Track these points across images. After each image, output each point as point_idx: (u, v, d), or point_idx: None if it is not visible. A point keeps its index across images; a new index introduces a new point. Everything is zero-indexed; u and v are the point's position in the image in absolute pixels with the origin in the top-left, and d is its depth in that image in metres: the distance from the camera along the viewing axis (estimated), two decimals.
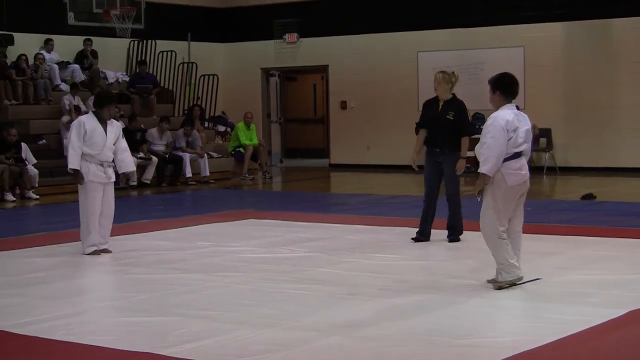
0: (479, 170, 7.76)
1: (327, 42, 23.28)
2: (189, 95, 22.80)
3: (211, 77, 22.84)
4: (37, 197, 16.29)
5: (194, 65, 22.87)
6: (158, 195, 17.46)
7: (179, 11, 23.43)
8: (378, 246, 10.20)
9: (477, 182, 7.74)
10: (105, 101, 10.03)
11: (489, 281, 7.85)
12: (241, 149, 20.56)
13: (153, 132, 19.33)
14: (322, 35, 23.28)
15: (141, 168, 18.50)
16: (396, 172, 20.70)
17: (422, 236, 10.40)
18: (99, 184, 9.90)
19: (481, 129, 7.93)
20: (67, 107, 18.72)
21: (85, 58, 21.13)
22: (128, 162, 10.30)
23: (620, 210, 13.28)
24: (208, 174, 19.61)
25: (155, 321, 6.81)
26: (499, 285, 7.74)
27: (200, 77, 22.94)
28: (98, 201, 9.88)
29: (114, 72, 21.92)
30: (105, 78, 21.50)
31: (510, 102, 7.81)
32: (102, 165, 9.92)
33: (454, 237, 10.36)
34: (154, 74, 22.18)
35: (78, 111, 18.54)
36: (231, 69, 24.58)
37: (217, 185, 19.28)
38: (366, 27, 22.64)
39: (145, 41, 22.40)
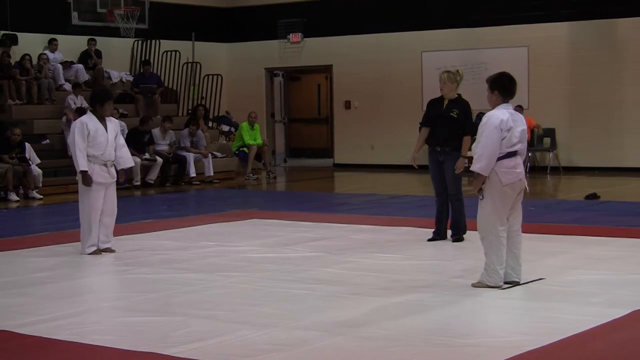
0: (471, 169, 7.78)
1: (331, 42, 23.28)
2: (193, 95, 22.82)
3: (215, 77, 22.86)
4: (41, 197, 16.30)
5: (198, 65, 22.89)
6: (162, 195, 17.46)
7: (183, 11, 23.45)
8: (382, 246, 10.20)
9: (474, 181, 7.75)
10: (105, 97, 10.04)
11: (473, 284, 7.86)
12: (245, 149, 20.57)
13: (156, 132, 19.34)
14: (326, 35, 23.30)
15: (145, 168, 18.52)
16: (400, 171, 20.70)
17: (438, 236, 10.43)
18: (102, 184, 9.90)
19: None
20: (72, 107, 18.72)
21: (89, 58, 21.15)
22: (127, 159, 10.29)
23: (624, 210, 13.26)
24: (212, 173, 19.62)
25: (158, 321, 6.81)
26: (477, 284, 7.77)
27: (205, 77, 22.96)
28: (100, 201, 9.89)
29: (118, 72, 21.94)
30: (109, 78, 21.52)
31: (508, 102, 7.80)
32: (105, 165, 9.92)
33: (457, 236, 10.36)
34: (158, 73, 22.19)
35: (82, 113, 18.57)
36: (235, 68, 24.60)
37: (221, 185, 19.29)
38: (370, 27, 22.64)
39: (149, 41, 22.41)
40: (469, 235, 10.19)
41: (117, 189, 10.38)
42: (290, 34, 23.72)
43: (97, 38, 21.19)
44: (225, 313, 7.04)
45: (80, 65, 20.73)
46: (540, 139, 20.56)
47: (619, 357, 5.87)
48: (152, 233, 11.51)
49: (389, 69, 22.40)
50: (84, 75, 20.58)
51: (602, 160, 20.13)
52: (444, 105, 10.31)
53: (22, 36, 19.99)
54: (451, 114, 10.20)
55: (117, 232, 10.43)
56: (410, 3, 22.28)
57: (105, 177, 9.92)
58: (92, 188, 9.85)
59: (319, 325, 6.61)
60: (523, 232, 8.14)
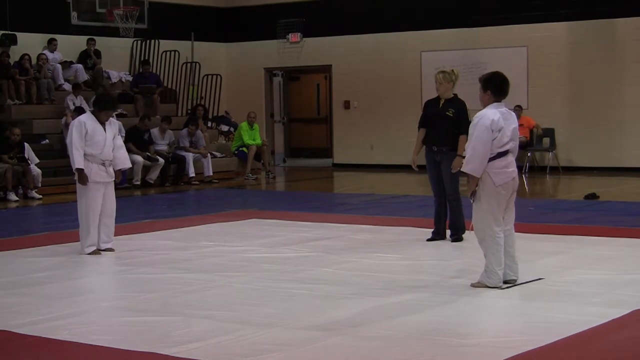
0: (462, 169, 7.78)
1: (330, 42, 23.28)
2: (192, 95, 22.82)
3: (214, 76, 22.86)
4: (40, 196, 16.30)
5: (198, 65, 22.89)
6: (161, 194, 17.46)
7: (183, 11, 23.45)
8: (381, 246, 10.20)
9: (468, 183, 7.74)
10: (104, 106, 10.05)
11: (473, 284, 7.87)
12: (244, 149, 20.57)
13: (155, 132, 19.35)
14: (325, 35, 23.29)
15: (145, 168, 18.52)
16: (399, 171, 20.70)
17: (438, 236, 10.44)
18: (100, 183, 9.90)
19: None
20: (72, 107, 18.73)
21: (89, 58, 21.14)
22: (124, 159, 10.31)
23: (623, 210, 13.26)
24: (211, 173, 19.62)
25: (158, 321, 6.82)
26: (476, 284, 7.77)
27: (204, 76, 22.96)
28: (99, 200, 9.90)
29: (117, 71, 21.93)
30: (109, 78, 21.51)
31: (500, 102, 7.79)
32: (103, 164, 9.93)
33: (456, 236, 10.36)
34: (158, 73, 22.19)
35: (80, 112, 18.57)
36: (234, 68, 24.60)
37: (221, 185, 19.29)
38: (370, 27, 22.65)
39: (148, 41, 22.41)
40: (468, 235, 10.18)
41: (116, 188, 10.39)
42: (290, 34, 23.72)
43: (96, 38, 21.18)
44: (224, 313, 7.05)
45: (80, 65, 20.73)
46: (539, 138, 20.56)
47: (618, 357, 5.87)
48: (152, 233, 11.51)
49: (389, 69, 22.40)
50: (84, 75, 20.58)
51: (601, 160, 20.13)
52: (440, 105, 10.32)
53: (21, 36, 19.99)
54: (447, 113, 10.21)
55: (117, 232, 10.44)
56: (410, 3, 22.28)
57: (102, 177, 9.94)
58: (90, 187, 9.86)
59: (319, 325, 6.61)
60: (522, 232, 8.17)
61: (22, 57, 19.52)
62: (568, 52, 20.59)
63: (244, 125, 20.80)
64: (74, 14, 20.08)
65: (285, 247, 10.28)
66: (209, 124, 22.05)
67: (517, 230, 7.96)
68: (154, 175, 18.63)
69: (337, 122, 23.67)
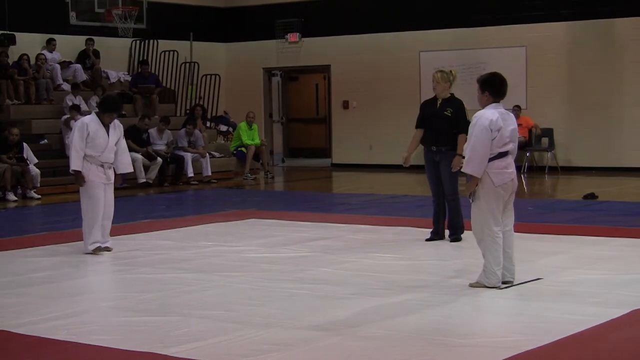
0: (462, 170, 7.78)
1: (329, 41, 23.29)
2: (191, 95, 22.82)
3: (213, 76, 22.86)
4: (39, 196, 16.30)
5: (196, 65, 22.89)
6: (160, 194, 17.46)
7: (181, 11, 23.44)
8: (380, 246, 10.20)
9: (468, 183, 7.74)
10: (107, 108, 10.04)
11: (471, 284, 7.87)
12: (243, 149, 20.57)
13: (153, 132, 19.35)
14: (324, 35, 23.30)
15: (144, 167, 18.51)
16: (398, 171, 20.65)
17: (437, 236, 10.43)
18: (100, 183, 9.91)
19: None
20: (69, 105, 18.75)
21: (87, 58, 21.14)
22: (126, 164, 10.31)
23: (622, 210, 13.27)
24: (210, 173, 19.62)
25: (157, 321, 6.82)
26: (474, 284, 7.78)
27: (203, 76, 22.96)
28: (100, 199, 9.90)
29: (116, 71, 21.93)
30: (107, 78, 21.52)
31: (498, 102, 7.79)
32: (102, 166, 9.93)
33: (455, 236, 10.36)
34: (156, 73, 22.19)
35: (77, 110, 18.57)
36: (233, 68, 24.60)
37: (219, 185, 19.29)
38: (368, 27, 22.65)
39: (147, 41, 22.41)
40: (466, 235, 10.18)
41: (115, 188, 10.38)
42: (288, 34, 23.72)
43: (95, 38, 21.19)
44: (223, 313, 7.05)
45: (78, 65, 20.72)
46: (538, 138, 20.57)
47: (617, 357, 5.88)
48: (151, 233, 11.51)
49: (387, 69, 22.41)
50: (82, 75, 20.58)
51: (600, 160, 20.14)
52: (438, 105, 10.31)
53: (20, 36, 19.98)
54: (445, 112, 10.20)
55: (116, 232, 10.45)
56: (408, 3, 22.28)
57: (101, 178, 9.93)
58: (92, 186, 9.86)
59: (318, 325, 6.62)
60: (521, 232, 8.17)
61: (21, 57, 19.52)
62: (567, 52, 20.60)
63: (242, 125, 20.80)
64: (72, 14, 20.08)
65: (284, 247, 10.28)
66: (208, 124, 22.05)
67: (515, 230, 7.97)
68: (152, 174, 18.63)
69: (335, 122, 23.68)
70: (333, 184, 21.01)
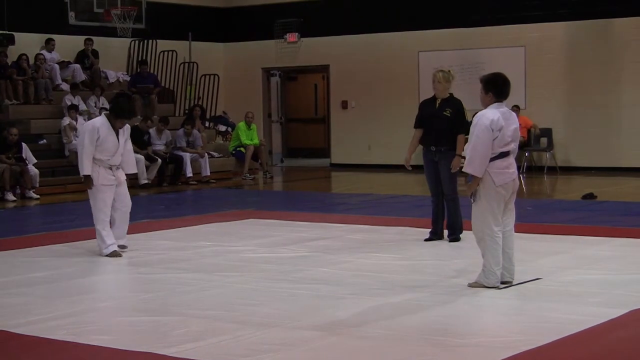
0: (464, 170, 7.78)
1: (328, 41, 23.28)
2: (190, 95, 22.82)
3: (212, 76, 22.86)
4: (38, 196, 16.29)
5: (195, 65, 22.89)
6: (159, 195, 17.45)
7: (180, 11, 23.44)
8: (379, 246, 10.20)
9: (469, 183, 7.74)
10: (120, 115, 9.90)
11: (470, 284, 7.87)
12: (242, 149, 20.57)
13: (152, 132, 19.35)
14: (323, 35, 23.29)
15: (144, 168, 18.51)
16: (397, 171, 20.67)
17: (435, 236, 10.43)
18: (109, 186, 9.86)
19: None
20: (67, 105, 18.76)
21: (86, 58, 21.13)
22: (131, 164, 10.25)
23: (621, 210, 13.27)
24: (209, 173, 19.62)
25: (156, 321, 6.81)
26: (473, 283, 7.78)
27: (201, 76, 22.96)
28: (108, 202, 9.81)
29: (115, 71, 21.93)
30: (106, 78, 21.51)
31: (501, 102, 7.79)
32: (110, 168, 9.88)
33: (454, 236, 10.36)
34: (155, 73, 22.18)
35: (75, 110, 18.58)
36: (232, 68, 24.59)
37: (218, 185, 19.29)
38: (367, 27, 22.64)
39: (146, 41, 22.41)
40: (465, 235, 10.18)
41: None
42: (287, 34, 23.71)
43: (94, 38, 21.18)
44: (223, 313, 7.05)
45: (77, 65, 20.72)
46: (537, 138, 20.57)
47: (616, 356, 5.88)
48: (150, 233, 11.51)
49: (386, 69, 22.40)
50: (81, 75, 20.57)
51: (599, 160, 20.14)
52: (437, 105, 10.30)
53: (19, 36, 19.97)
54: (444, 113, 10.19)
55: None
56: (407, 3, 22.28)
57: (110, 180, 9.86)
58: (99, 190, 9.79)
59: (317, 325, 6.62)
60: (520, 232, 8.17)
61: (20, 57, 19.51)
62: (566, 52, 20.60)
63: (241, 125, 20.80)
64: (71, 14, 20.09)
65: (283, 247, 10.28)
66: (207, 124, 22.05)
67: (514, 230, 7.96)
68: (151, 175, 18.62)
69: (334, 122, 23.68)
70: (332, 184, 21.01)
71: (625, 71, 19.94)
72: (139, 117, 19.11)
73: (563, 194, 17.16)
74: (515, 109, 19.30)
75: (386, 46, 22.42)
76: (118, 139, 9.88)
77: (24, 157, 16.50)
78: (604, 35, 20.12)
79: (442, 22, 21.65)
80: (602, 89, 20.09)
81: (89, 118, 18.08)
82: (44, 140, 18.72)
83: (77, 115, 18.60)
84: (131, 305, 7.50)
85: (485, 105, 7.79)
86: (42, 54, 20.13)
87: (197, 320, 6.80)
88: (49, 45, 20.52)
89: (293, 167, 24.55)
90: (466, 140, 8.19)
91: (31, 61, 19.76)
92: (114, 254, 9.75)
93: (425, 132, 10.35)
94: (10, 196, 16.02)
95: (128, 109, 10.05)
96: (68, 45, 20.94)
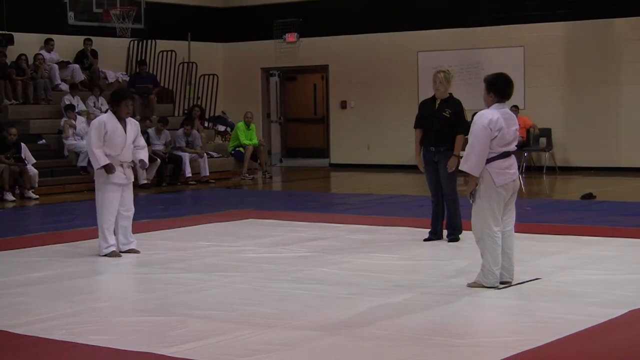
0: (460, 167, 7.78)
1: (327, 41, 23.28)
2: (189, 95, 22.82)
3: (211, 76, 22.85)
4: (37, 197, 16.29)
5: (194, 65, 22.88)
6: (158, 195, 17.45)
7: (179, 11, 23.43)
8: (378, 246, 10.20)
9: (468, 183, 7.74)
10: (121, 96, 9.93)
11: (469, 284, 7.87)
12: (241, 149, 20.57)
13: (151, 132, 19.35)
14: (322, 35, 23.29)
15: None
16: (396, 171, 20.71)
17: (435, 236, 10.42)
18: (118, 185, 9.83)
19: None
20: (64, 105, 18.78)
21: (85, 58, 21.13)
22: (144, 156, 10.16)
23: (620, 210, 13.27)
24: (208, 173, 19.62)
25: (155, 321, 6.81)
26: (472, 284, 7.79)
27: (200, 76, 22.95)
28: (115, 202, 9.79)
29: (114, 71, 21.92)
30: (106, 78, 21.50)
31: (503, 103, 7.79)
32: (121, 166, 9.85)
33: (453, 236, 10.36)
34: (154, 73, 22.18)
35: (72, 109, 18.58)
36: (231, 68, 24.59)
37: (217, 185, 19.28)
38: (366, 27, 22.64)
39: (145, 41, 22.40)
40: (465, 235, 10.18)
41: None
42: (286, 34, 23.71)
43: (93, 38, 21.17)
44: (222, 313, 7.04)
45: (77, 65, 20.71)
46: (536, 138, 20.56)
47: (615, 357, 5.88)
48: (149, 233, 11.50)
49: (385, 69, 22.40)
50: (80, 75, 20.57)
51: (598, 160, 20.14)
52: (436, 105, 10.29)
53: (18, 36, 19.96)
54: (444, 113, 10.18)
55: None
56: (406, 3, 22.27)
57: (121, 178, 9.82)
58: (107, 188, 9.75)
59: (316, 325, 6.61)
60: (519, 232, 8.16)
61: (19, 57, 19.50)
62: (565, 52, 20.60)
63: (240, 125, 20.80)
64: (70, 14, 20.07)
65: (282, 247, 10.28)
66: (206, 124, 22.04)
67: (514, 231, 7.96)
68: (150, 175, 18.62)
69: (333, 122, 23.67)
70: (331, 184, 21.01)
71: (624, 71, 19.94)
72: (137, 117, 19.14)
73: (562, 194, 17.16)
74: (515, 109, 19.28)
75: (386, 46, 22.42)
76: (125, 132, 9.84)
77: (23, 157, 16.50)
78: (604, 35, 20.13)
79: (442, 22, 21.65)
80: (602, 89, 20.09)
81: (88, 118, 18.11)
82: (43, 141, 18.72)
83: (76, 115, 18.59)
84: (131, 305, 7.50)
85: (488, 105, 7.79)
86: (41, 54, 20.12)
87: (196, 320, 6.80)
88: (48, 45, 20.52)
89: (292, 167, 24.55)
90: (466, 141, 8.17)
91: (30, 61, 19.75)
92: (113, 254, 9.74)
93: (424, 133, 10.35)
94: (9, 196, 16.01)
95: (123, 90, 10.22)
96: (67, 45, 20.94)
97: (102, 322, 7.03)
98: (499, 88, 7.76)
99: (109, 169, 9.72)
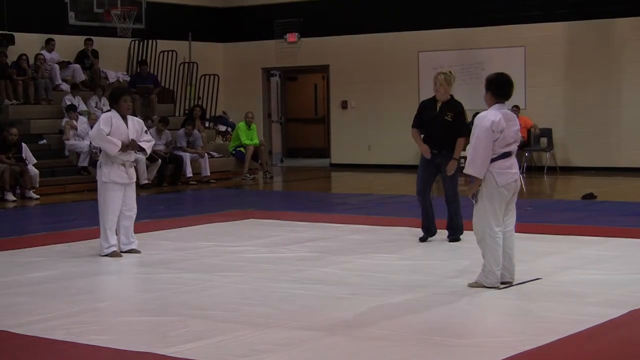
0: (464, 172, 7.78)
1: (328, 41, 23.28)
2: (189, 95, 22.82)
3: (212, 77, 22.86)
4: (38, 197, 16.29)
5: (195, 65, 22.89)
6: (159, 195, 17.45)
7: (180, 11, 23.44)
8: (378, 246, 10.19)
9: (470, 184, 7.73)
10: (119, 93, 9.95)
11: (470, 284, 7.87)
12: (242, 149, 20.57)
13: (152, 132, 19.32)
14: (323, 35, 23.29)
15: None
16: (397, 172, 20.70)
17: (429, 233, 10.40)
18: (120, 184, 9.82)
19: None
20: (66, 105, 18.79)
21: (86, 58, 21.14)
22: (146, 146, 10.02)
23: (620, 210, 13.27)
24: (209, 173, 19.62)
25: (155, 321, 6.81)
26: (473, 284, 7.79)
27: (201, 77, 22.96)
28: (118, 202, 9.77)
29: (115, 71, 21.92)
30: (106, 78, 21.50)
31: (503, 103, 7.78)
32: (124, 165, 9.85)
33: (454, 237, 10.36)
34: (155, 73, 22.19)
35: (74, 110, 18.59)
36: (232, 68, 24.59)
37: (218, 185, 19.28)
38: (367, 27, 22.65)
39: (146, 41, 22.41)
40: (466, 235, 10.18)
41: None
42: (287, 34, 23.71)
43: (94, 38, 21.18)
44: (222, 313, 7.04)
45: (77, 65, 20.72)
46: (537, 138, 20.56)
47: (616, 357, 5.87)
48: (149, 233, 11.49)
49: (386, 69, 22.40)
50: (81, 75, 20.58)
51: (599, 160, 20.14)
52: (437, 108, 10.22)
53: (19, 36, 19.97)
54: (446, 117, 10.11)
55: None
56: (407, 3, 22.28)
57: (123, 178, 9.81)
58: (109, 187, 9.73)
59: (317, 325, 6.61)
60: (520, 232, 8.16)
61: (20, 57, 19.51)
62: (566, 52, 20.60)
63: (241, 125, 20.80)
64: (71, 14, 20.07)
65: (283, 247, 10.28)
66: (207, 124, 22.05)
67: (515, 231, 7.96)
68: (151, 175, 18.63)
69: (334, 122, 23.68)
70: (332, 184, 21.01)
71: (625, 71, 19.94)
72: (138, 117, 19.13)
73: (563, 194, 17.16)
74: (515, 109, 19.29)
75: (386, 46, 22.42)
76: (128, 128, 9.82)
77: (24, 157, 16.50)
78: (604, 35, 20.12)
79: (442, 22, 21.65)
80: (602, 89, 20.09)
81: (89, 118, 18.12)
82: (44, 141, 18.73)
83: (78, 115, 18.60)
84: (131, 305, 7.50)
85: (488, 105, 7.79)
86: (42, 54, 20.14)
87: (196, 320, 6.80)
88: (49, 45, 20.53)
89: (293, 167, 24.55)
90: (467, 142, 8.15)
91: (31, 61, 19.77)
92: (114, 254, 9.75)
93: (426, 136, 10.29)
94: (10, 196, 16.01)
95: (121, 87, 10.21)
96: (68, 45, 20.95)
97: (103, 322, 7.04)
98: (497, 88, 7.75)
99: (133, 145, 9.77)
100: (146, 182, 18.15)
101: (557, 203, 14.79)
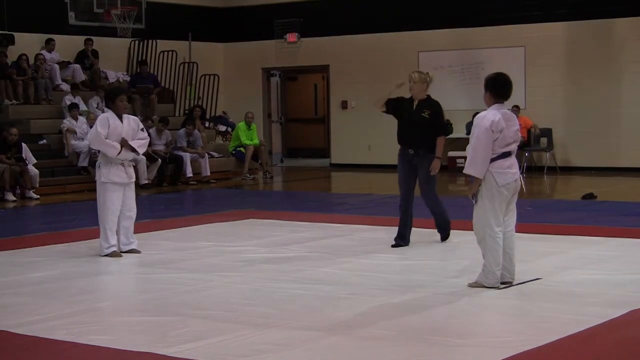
0: (464, 172, 7.77)
1: (328, 41, 23.28)
2: (190, 95, 22.82)
3: (212, 77, 22.86)
4: (38, 197, 16.29)
5: (195, 65, 22.89)
6: (159, 195, 17.45)
7: (180, 11, 23.44)
8: (379, 246, 10.19)
9: (471, 184, 7.73)
10: (114, 93, 9.97)
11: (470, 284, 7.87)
12: (242, 149, 20.57)
13: (152, 132, 19.33)
14: (323, 35, 23.29)
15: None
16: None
17: (402, 241, 10.13)
18: (119, 184, 9.82)
19: None
20: (68, 105, 18.78)
21: (86, 58, 21.14)
22: (139, 145, 10.03)
23: (620, 210, 13.27)
24: (209, 173, 19.62)
25: (155, 321, 6.81)
26: (473, 284, 7.79)
27: (201, 77, 22.96)
28: (117, 202, 9.77)
29: (115, 71, 21.92)
30: (106, 78, 21.50)
31: (502, 103, 7.78)
32: (122, 164, 9.85)
33: (445, 233, 10.31)
34: (155, 73, 22.18)
35: (77, 108, 18.59)
36: (232, 68, 24.59)
37: (218, 185, 19.29)
38: (367, 27, 22.65)
39: (146, 41, 22.41)
40: (466, 235, 10.16)
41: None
42: (287, 34, 23.71)
43: (94, 38, 21.18)
44: (222, 313, 7.04)
45: (77, 65, 20.72)
46: (537, 138, 20.57)
47: (616, 357, 5.87)
48: (149, 233, 11.49)
49: (386, 69, 22.37)
50: (81, 75, 20.57)
51: (599, 160, 20.14)
52: (414, 107, 10.08)
53: (19, 36, 19.97)
54: (422, 115, 9.98)
55: None
56: (407, 3, 22.28)
57: (122, 177, 9.81)
58: (108, 188, 9.73)
59: (317, 325, 6.61)
60: (520, 232, 8.16)
61: (20, 57, 19.51)
62: (565, 52, 20.60)
63: (241, 125, 20.80)
64: (71, 14, 20.08)
65: (283, 247, 10.28)
66: (207, 124, 22.05)
67: (515, 231, 7.96)
68: (151, 175, 18.62)
69: (334, 122, 23.68)
70: (332, 184, 21.01)
71: (624, 71, 19.94)
72: (138, 117, 19.13)
73: (563, 194, 17.16)
74: (515, 109, 19.30)
75: (386, 46, 22.42)
76: (124, 127, 9.81)
77: (24, 157, 16.50)
78: (604, 35, 20.12)
79: (442, 22, 21.65)
80: (602, 89, 20.10)
81: (89, 119, 18.12)
82: (44, 141, 18.72)
83: (78, 115, 18.60)
84: (131, 305, 7.50)
85: (487, 105, 7.79)
86: (42, 54, 20.13)
87: (196, 320, 6.80)
88: (49, 45, 20.53)
89: (293, 167, 24.55)
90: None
91: (31, 61, 19.77)
92: (113, 254, 9.75)
93: (403, 135, 10.12)
94: (10, 196, 16.02)
95: (117, 87, 10.22)
96: (68, 45, 20.95)
97: (103, 322, 7.04)
98: (496, 88, 7.75)
99: (126, 145, 9.75)
100: (146, 182, 18.15)
101: (557, 203, 14.79)
